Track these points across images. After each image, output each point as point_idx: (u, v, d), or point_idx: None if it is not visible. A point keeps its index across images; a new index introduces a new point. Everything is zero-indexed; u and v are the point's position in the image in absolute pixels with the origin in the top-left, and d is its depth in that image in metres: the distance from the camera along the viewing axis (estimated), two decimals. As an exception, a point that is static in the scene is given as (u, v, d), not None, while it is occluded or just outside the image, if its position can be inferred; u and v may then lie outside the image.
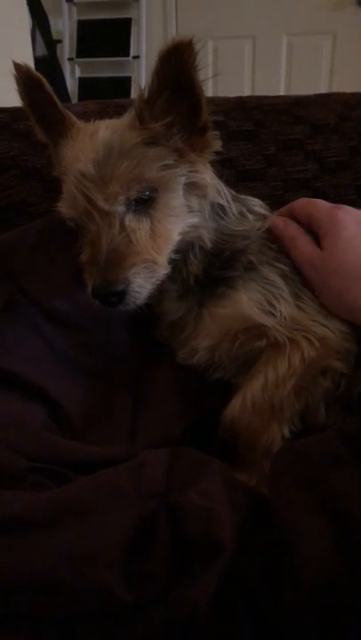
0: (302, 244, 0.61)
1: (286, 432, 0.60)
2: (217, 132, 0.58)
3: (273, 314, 0.58)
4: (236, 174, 0.84)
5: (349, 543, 0.41)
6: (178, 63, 0.50)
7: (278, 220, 0.64)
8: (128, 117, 0.56)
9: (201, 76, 0.52)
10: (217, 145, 0.58)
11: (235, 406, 0.60)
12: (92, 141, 0.55)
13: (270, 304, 0.58)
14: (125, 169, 0.52)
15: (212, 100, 0.89)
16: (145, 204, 0.53)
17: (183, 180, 0.55)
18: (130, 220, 0.53)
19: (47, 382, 0.65)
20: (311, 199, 0.67)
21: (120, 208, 0.53)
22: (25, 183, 0.78)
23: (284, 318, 0.58)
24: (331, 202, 0.88)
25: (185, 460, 0.53)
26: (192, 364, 0.64)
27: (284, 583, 0.41)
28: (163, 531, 0.44)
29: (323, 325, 0.58)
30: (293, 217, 0.65)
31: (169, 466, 0.52)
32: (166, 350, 0.67)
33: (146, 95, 0.53)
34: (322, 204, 0.63)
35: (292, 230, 0.63)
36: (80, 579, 0.40)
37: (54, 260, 0.69)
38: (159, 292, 0.64)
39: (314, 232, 0.62)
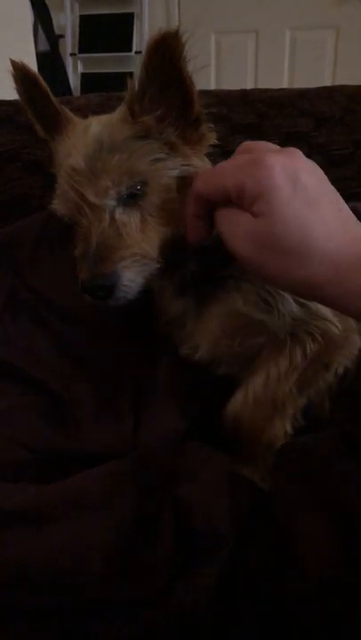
0: (234, 214, 0.45)
1: (289, 428, 0.59)
2: (212, 125, 0.57)
3: (270, 312, 0.57)
4: (239, 167, 0.84)
5: (351, 538, 0.41)
6: (166, 55, 0.49)
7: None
8: (120, 112, 0.56)
9: (191, 67, 0.51)
10: (212, 138, 0.58)
11: (237, 402, 0.60)
12: (84, 136, 0.55)
13: (266, 302, 0.57)
14: (116, 163, 0.52)
15: (215, 93, 0.89)
16: (136, 197, 0.53)
17: (175, 173, 0.55)
18: (120, 214, 0.53)
19: (49, 375, 0.65)
20: (212, 170, 0.48)
21: (110, 202, 0.52)
22: (27, 176, 0.78)
23: (283, 315, 0.57)
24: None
25: (188, 453, 0.53)
26: (195, 361, 0.64)
27: (286, 575, 0.41)
28: (165, 524, 0.44)
29: (326, 320, 0.58)
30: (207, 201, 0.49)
31: (172, 459, 0.52)
32: (169, 345, 0.66)
33: (136, 88, 0.52)
34: (231, 169, 0.45)
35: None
36: (81, 570, 0.40)
37: (58, 254, 0.69)
38: (159, 289, 0.64)
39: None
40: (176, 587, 0.40)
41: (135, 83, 0.52)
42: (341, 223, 0.43)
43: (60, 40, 2.96)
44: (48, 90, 0.57)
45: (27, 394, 0.63)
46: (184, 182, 0.54)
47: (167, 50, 0.48)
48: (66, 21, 3.01)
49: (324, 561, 0.41)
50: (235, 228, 0.45)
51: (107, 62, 3.04)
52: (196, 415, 0.60)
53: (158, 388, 0.63)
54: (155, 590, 0.40)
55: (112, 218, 0.52)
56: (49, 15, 2.76)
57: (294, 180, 0.42)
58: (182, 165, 0.55)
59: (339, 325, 0.58)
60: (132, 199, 0.53)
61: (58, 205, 0.56)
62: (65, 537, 0.42)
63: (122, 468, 0.50)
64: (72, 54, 3.05)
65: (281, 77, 2.86)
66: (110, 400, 0.63)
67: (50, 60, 2.73)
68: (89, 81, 3.07)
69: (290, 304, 0.57)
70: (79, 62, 3.11)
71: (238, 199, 0.45)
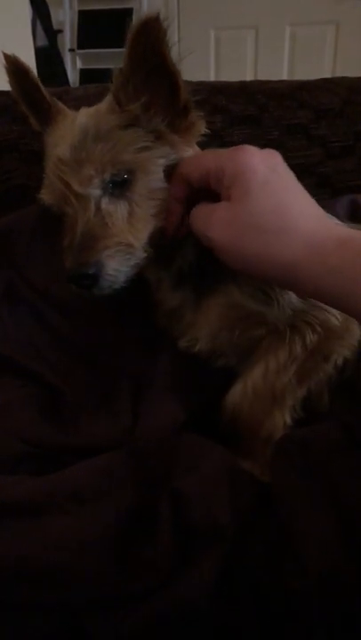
0: (209, 207, 0.49)
1: (288, 420, 0.59)
2: (202, 113, 0.56)
3: (269, 303, 0.57)
4: (238, 159, 0.83)
5: (350, 532, 0.41)
6: (148, 40, 0.48)
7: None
8: (107, 101, 0.55)
9: (173, 52, 0.50)
10: (202, 126, 0.57)
11: (235, 393, 0.59)
12: (71, 127, 0.54)
13: (265, 293, 0.57)
14: (100, 152, 0.51)
15: (214, 84, 0.89)
16: (122, 187, 0.52)
17: (163, 161, 0.54)
18: (106, 204, 0.52)
19: (46, 368, 0.64)
20: (198, 154, 0.54)
21: (95, 191, 0.52)
22: (25, 167, 0.77)
23: (283, 306, 0.57)
24: (335, 188, 0.88)
25: (187, 446, 0.53)
26: (194, 353, 0.63)
27: (287, 570, 0.41)
28: (164, 517, 0.43)
29: (325, 310, 0.57)
30: (189, 185, 0.52)
31: (170, 452, 0.51)
32: (168, 337, 0.66)
33: (121, 77, 0.52)
34: (214, 154, 0.49)
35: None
36: (79, 565, 0.39)
37: (54, 245, 0.68)
38: (156, 281, 0.63)
39: (216, 191, 0.50)
40: (176, 581, 0.40)
41: (120, 72, 0.51)
42: (316, 212, 0.45)
43: (59, 35, 2.96)
44: (39, 82, 0.57)
45: (25, 387, 0.63)
46: (173, 171, 0.53)
47: (149, 35, 0.48)
48: (64, 17, 3.00)
49: (325, 557, 0.40)
50: (209, 217, 0.47)
51: (105, 58, 3.02)
52: (195, 408, 0.59)
53: (157, 380, 0.62)
54: (154, 585, 0.40)
55: (97, 207, 0.52)
56: (48, 10, 2.75)
57: (272, 168, 0.46)
58: (170, 154, 0.54)
59: (338, 316, 0.57)
60: (118, 189, 0.52)
61: (45, 195, 0.56)
62: (63, 530, 0.41)
63: (120, 461, 0.49)
64: (70, 50, 3.04)
65: (281, 74, 2.86)
66: (109, 393, 0.63)
67: (48, 55, 2.72)
68: (88, 77, 3.06)
69: (289, 295, 0.57)
70: (78, 58, 3.11)
71: (217, 183, 0.48)
